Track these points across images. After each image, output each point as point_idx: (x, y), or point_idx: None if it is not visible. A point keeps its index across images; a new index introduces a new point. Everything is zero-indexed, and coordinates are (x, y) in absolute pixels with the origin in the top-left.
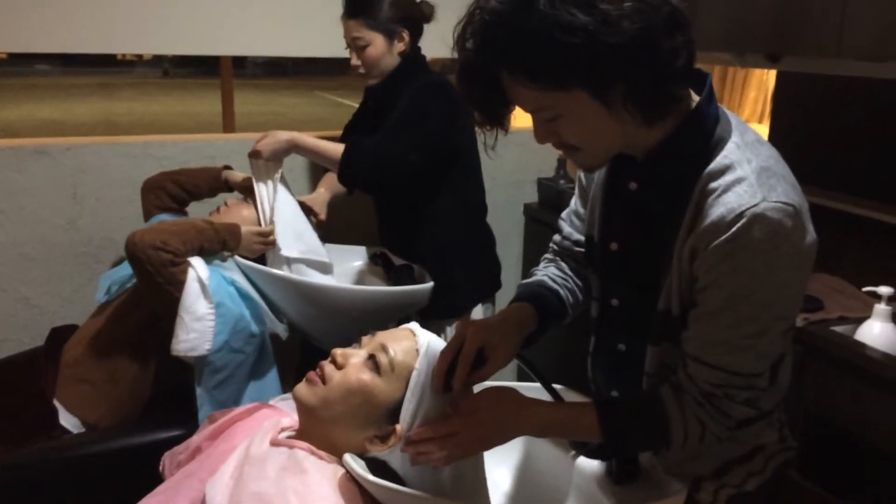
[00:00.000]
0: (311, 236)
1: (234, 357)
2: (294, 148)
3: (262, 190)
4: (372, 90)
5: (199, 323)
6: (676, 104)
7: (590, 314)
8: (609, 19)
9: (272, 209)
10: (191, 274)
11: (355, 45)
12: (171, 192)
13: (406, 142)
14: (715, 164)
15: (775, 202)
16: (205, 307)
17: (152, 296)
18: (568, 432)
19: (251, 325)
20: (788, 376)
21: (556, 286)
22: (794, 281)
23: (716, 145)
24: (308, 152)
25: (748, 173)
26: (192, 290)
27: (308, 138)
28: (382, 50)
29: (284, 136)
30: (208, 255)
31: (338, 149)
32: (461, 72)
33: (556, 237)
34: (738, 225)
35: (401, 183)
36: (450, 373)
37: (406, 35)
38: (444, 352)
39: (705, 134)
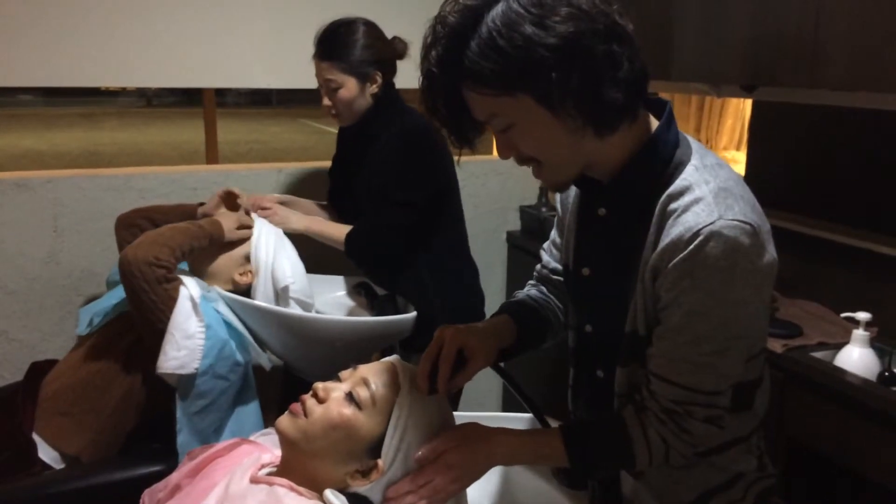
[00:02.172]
0: (303, 274)
1: (217, 383)
2: (307, 232)
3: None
4: (347, 130)
5: (189, 341)
6: (628, 118)
7: (567, 345)
8: (545, 23)
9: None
10: (183, 292)
11: (327, 87)
12: (145, 229)
13: (391, 223)
14: (674, 187)
15: (731, 220)
16: (196, 325)
17: (140, 315)
18: (536, 458)
19: (236, 354)
20: (766, 402)
21: (536, 305)
22: (751, 299)
23: (675, 168)
24: (318, 237)
25: (706, 193)
26: (183, 307)
27: (319, 227)
28: (355, 93)
29: (301, 224)
30: (198, 252)
31: (342, 232)
32: (425, 86)
33: (538, 266)
34: (696, 242)
35: (397, 248)
36: (433, 377)
37: (379, 77)
38: (425, 355)
39: (665, 157)
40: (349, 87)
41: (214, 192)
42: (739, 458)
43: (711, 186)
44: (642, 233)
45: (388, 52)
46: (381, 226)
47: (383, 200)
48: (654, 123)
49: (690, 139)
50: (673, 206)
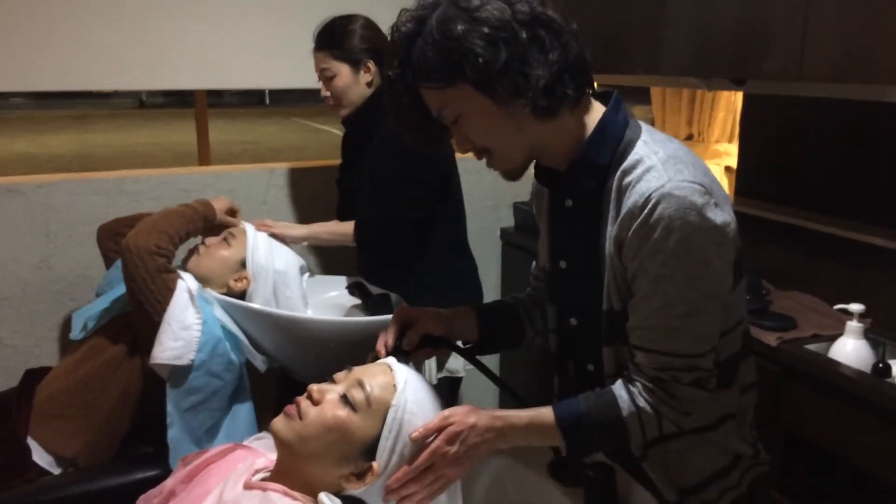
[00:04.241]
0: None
1: (210, 381)
2: (310, 237)
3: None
4: (347, 121)
5: (185, 332)
6: (567, 103)
7: (549, 352)
8: (474, 16)
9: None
10: (180, 284)
11: (324, 76)
12: None
13: (403, 199)
14: (627, 162)
15: (681, 181)
16: (193, 317)
17: (137, 305)
18: (530, 434)
19: (230, 353)
20: (750, 378)
21: (513, 302)
22: (713, 257)
23: (626, 146)
24: (325, 236)
25: (655, 162)
26: (181, 299)
27: (321, 229)
28: (349, 80)
29: (301, 231)
30: (195, 234)
31: (348, 227)
32: (390, 91)
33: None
34: (649, 206)
35: (411, 234)
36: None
37: (372, 65)
38: (382, 332)
39: (615, 136)
40: (342, 74)
41: (206, 194)
42: (733, 435)
43: (661, 156)
44: (605, 213)
45: (383, 43)
46: (393, 204)
47: (391, 183)
48: (603, 111)
49: (641, 122)
50: (627, 179)
